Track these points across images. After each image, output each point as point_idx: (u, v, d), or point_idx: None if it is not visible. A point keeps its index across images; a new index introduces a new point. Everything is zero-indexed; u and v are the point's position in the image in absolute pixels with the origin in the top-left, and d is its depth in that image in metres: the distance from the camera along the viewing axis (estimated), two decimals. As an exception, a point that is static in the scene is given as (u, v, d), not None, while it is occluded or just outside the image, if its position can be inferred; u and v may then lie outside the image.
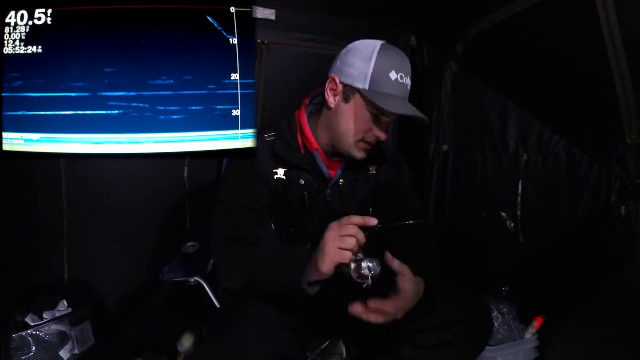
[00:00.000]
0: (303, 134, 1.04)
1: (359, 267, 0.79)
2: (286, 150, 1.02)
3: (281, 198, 1.03)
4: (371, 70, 0.93)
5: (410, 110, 0.94)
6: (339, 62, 0.99)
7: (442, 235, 1.85)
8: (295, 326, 0.84)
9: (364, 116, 0.95)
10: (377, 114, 0.95)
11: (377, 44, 0.96)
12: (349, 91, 0.96)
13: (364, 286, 0.79)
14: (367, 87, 0.93)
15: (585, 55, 1.23)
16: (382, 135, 0.98)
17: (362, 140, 0.98)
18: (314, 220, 1.04)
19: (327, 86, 0.99)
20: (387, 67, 0.93)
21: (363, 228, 0.79)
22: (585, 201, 1.35)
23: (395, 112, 0.93)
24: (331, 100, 0.99)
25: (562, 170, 1.43)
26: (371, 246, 0.82)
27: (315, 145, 1.02)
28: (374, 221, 0.79)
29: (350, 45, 0.99)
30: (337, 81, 0.97)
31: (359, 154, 1.00)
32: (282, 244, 1.03)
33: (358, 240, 0.78)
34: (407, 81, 0.96)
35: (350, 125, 0.97)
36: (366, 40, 0.98)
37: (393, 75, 0.93)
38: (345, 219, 0.80)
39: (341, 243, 0.78)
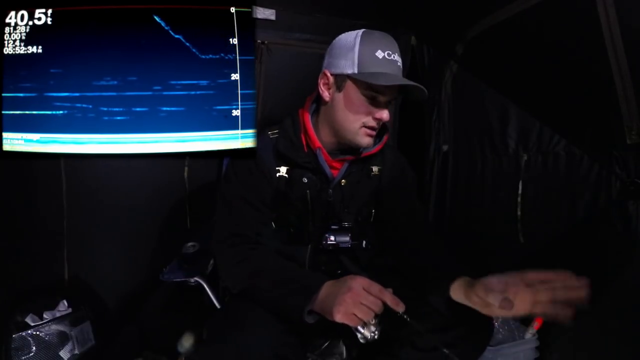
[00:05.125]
0: (306, 133, 1.04)
1: (358, 329, 0.79)
2: (289, 149, 1.02)
3: (283, 196, 1.02)
4: (357, 54, 0.94)
5: (403, 81, 0.94)
6: (326, 57, 1.01)
7: (442, 235, 1.85)
8: (295, 326, 0.84)
9: (360, 100, 0.96)
10: (373, 94, 0.95)
11: (359, 31, 0.97)
12: (340, 80, 0.97)
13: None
14: (356, 70, 0.94)
15: (585, 55, 1.22)
16: (384, 116, 0.97)
17: (364, 125, 0.98)
18: (315, 220, 1.04)
19: (319, 82, 1.01)
20: (371, 47, 0.94)
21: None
22: (585, 201, 1.35)
23: (387, 84, 0.92)
24: (326, 94, 1.00)
25: (562, 170, 1.43)
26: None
27: (317, 143, 1.02)
28: (401, 308, 0.77)
29: (334, 40, 1.01)
30: (328, 74, 0.99)
31: (363, 141, 0.99)
32: (283, 244, 1.03)
33: (375, 313, 0.76)
34: (396, 57, 0.96)
35: (348, 112, 0.97)
36: (348, 32, 1.00)
37: (379, 54, 0.93)
38: (377, 289, 0.77)
39: (359, 310, 0.75)
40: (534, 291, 0.72)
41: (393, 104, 1.01)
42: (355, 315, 0.76)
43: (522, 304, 0.72)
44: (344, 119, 0.98)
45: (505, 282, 0.76)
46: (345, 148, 1.05)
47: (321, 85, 1.01)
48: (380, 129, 1.10)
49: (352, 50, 0.94)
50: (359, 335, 0.79)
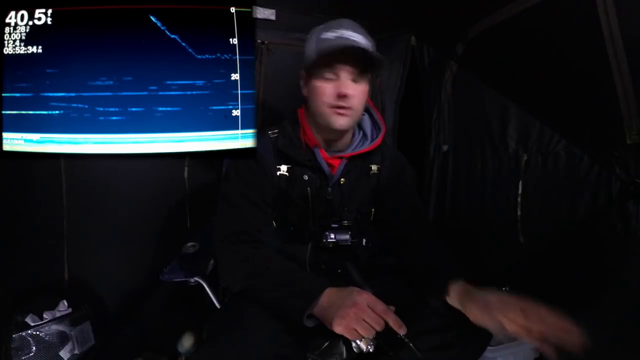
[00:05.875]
0: (304, 131, 1.05)
1: (355, 340, 0.78)
2: (289, 147, 1.03)
3: (284, 194, 1.03)
4: (313, 43, 0.99)
5: (348, 42, 0.95)
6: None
7: (442, 235, 1.85)
8: (295, 326, 0.84)
9: (322, 82, 0.98)
10: (331, 74, 0.97)
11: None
12: (308, 72, 1.01)
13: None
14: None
15: (585, 55, 1.23)
16: (348, 91, 0.96)
17: (331, 105, 0.98)
18: (315, 218, 1.04)
19: (300, 82, 1.06)
20: (322, 32, 0.99)
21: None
22: (585, 201, 1.35)
23: (331, 48, 0.94)
24: (304, 90, 1.05)
25: (562, 170, 1.43)
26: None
27: (315, 141, 1.04)
28: (402, 330, 0.76)
29: None
30: (303, 72, 1.03)
31: (336, 121, 0.99)
32: (283, 243, 1.03)
33: (375, 330, 0.76)
34: (350, 34, 0.97)
35: (317, 97, 0.99)
36: None
37: (330, 34, 0.97)
38: (381, 308, 0.77)
39: (360, 326, 0.75)
40: (529, 318, 0.72)
41: (362, 82, 1.00)
42: (356, 330, 0.76)
43: (512, 326, 0.73)
44: (315, 105, 1.00)
45: (502, 301, 0.76)
46: (331, 139, 1.06)
47: (302, 84, 1.05)
48: (377, 128, 1.10)
49: (310, 41, 1.00)
50: (354, 345, 0.79)
